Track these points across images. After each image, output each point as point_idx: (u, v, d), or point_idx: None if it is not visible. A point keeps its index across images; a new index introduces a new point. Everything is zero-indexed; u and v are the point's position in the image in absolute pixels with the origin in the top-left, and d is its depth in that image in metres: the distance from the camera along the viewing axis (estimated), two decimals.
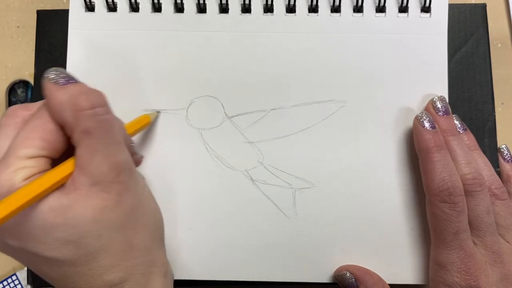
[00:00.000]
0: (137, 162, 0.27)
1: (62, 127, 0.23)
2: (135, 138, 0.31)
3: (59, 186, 0.22)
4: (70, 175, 0.22)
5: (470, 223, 0.28)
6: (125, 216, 0.23)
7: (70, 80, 0.23)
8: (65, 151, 0.24)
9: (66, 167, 0.22)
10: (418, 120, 0.30)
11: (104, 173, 0.22)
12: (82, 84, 0.23)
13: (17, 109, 0.24)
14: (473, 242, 0.28)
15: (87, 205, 0.22)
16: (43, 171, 0.22)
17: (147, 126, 0.31)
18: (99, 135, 0.22)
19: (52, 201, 0.22)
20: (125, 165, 0.23)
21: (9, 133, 0.23)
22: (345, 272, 0.30)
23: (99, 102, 0.23)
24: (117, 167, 0.23)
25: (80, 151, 0.22)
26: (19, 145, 0.22)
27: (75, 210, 0.22)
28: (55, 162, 0.23)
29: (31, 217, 0.21)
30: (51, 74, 0.23)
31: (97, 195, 0.22)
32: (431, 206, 0.28)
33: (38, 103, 0.25)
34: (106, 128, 0.23)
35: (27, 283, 0.34)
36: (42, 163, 0.22)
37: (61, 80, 0.23)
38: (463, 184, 0.28)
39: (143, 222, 0.24)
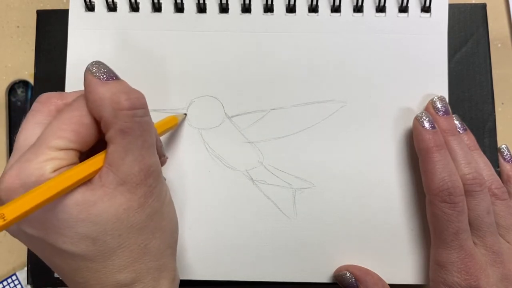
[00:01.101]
0: (162, 163, 0.27)
1: (97, 122, 0.23)
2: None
3: (86, 181, 0.22)
4: (98, 170, 0.22)
5: (470, 223, 0.28)
6: (146, 219, 0.23)
7: (112, 76, 0.23)
8: (94, 145, 0.24)
9: (95, 162, 0.22)
10: (418, 120, 0.29)
11: (133, 174, 0.22)
12: (124, 82, 0.23)
13: (52, 97, 0.24)
14: (474, 242, 0.28)
15: (111, 204, 0.22)
16: (71, 164, 0.22)
17: (174, 127, 0.31)
18: (135, 136, 0.22)
19: (78, 196, 0.21)
20: (154, 168, 0.23)
21: (41, 120, 0.23)
22: (345, 272, 0.30)
23: (139, 103, 0.23)
24: (147, 170, 0.23)
25: (112, 148, 0.22)
26: (51, 135, 0.22)
27: (99, 208, 0.22)
28: (82, 155, 0.23)
29: (55, 210, 0.21)
30: (93, 67, 0.23)
31: (122, 195, 0.22)
32: (431, 206, 0.28)
33: (74, 94, 0.25)
34: (142, 130, 0.23)
35: (27, 283, 0.34)
36: (71, 155, 0.22)
37: (103, 76, 0.23)
38: (463, 184, 0.28)
39: (161, 226, 0.24)
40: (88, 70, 0.23)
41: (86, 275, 0.23)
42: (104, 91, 0.22)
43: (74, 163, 0.22)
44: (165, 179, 0.27)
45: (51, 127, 0.22)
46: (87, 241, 0.22)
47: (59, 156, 0.21)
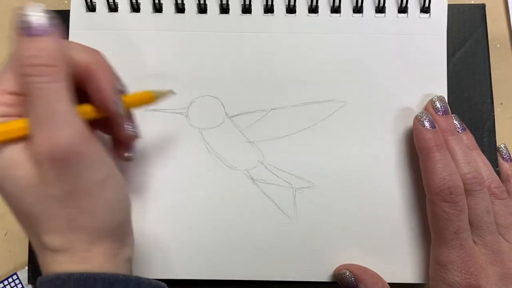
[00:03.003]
0: (128, 137, 0.27)
1: None
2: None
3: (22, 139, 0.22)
4: (26, 129, 0.22)
5: (470, 222, 0.28)
6: (67, 194, 0.23)
7: (28, 32, 0.22)
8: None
9: (19, 123, 0.22)
10: (418, 119, 0.30)
11: (37, 143, 0.22)
12: (31, 44, 0.22)
13: None
14: (473, 241, 0.28)
15: (32, 170, 0.22)
16: (17, 107, 0.22)
17: (150, 101, 0.28)
18: (31, 101, 0.22)
19: (7, 154, 0.22)
20: (60, 140, 0.22)
21: None
22: (344, 271, 0.30)
23: (37, 70, 0.21)
24: (49, 140, 0.22)
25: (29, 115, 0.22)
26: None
27: (22, 172, 0.22)
28: None
29: None
30: (22, 11, 0.22)
31: (41, 165, 0.22)
32: (432, 205, 0.29)
33: None
34: (38, 94, 0.22)
35: (28, 282, 0.34)
36: (15, 100, 0.22)
37: (23, 29, 0.22)
38: (463, 184, 0.28)
39: (90, 205, 0.23)
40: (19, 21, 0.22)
41: (26, 230, 0.24)
42: (15, 48, 0.22)
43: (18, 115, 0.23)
44: (131, 159, 0.27)
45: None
46: (13, 200, 0.23)
47: (4, 100, 0.22)
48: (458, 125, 0.31)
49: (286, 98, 0.32)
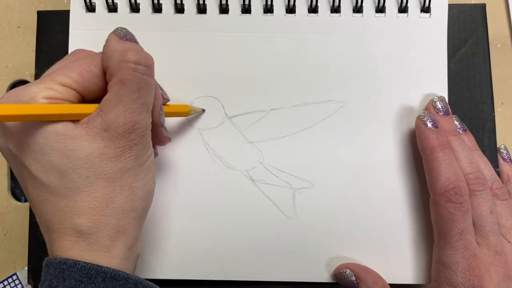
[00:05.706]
0: (163, 140, 0.28)
1: (104, 74, 0.25)
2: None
3: (74, 120, 0.24)
4: (85, 115, 0.24)
5: (473, 223, 0.28)
6: (118, 172, 0.24)
7: (131, 39, 0.25)
8: (97, 99, 0.25)
9: (85, 107, 0.24)
10: (420, 119, 0.30)
11: (118, 123, 0.23)
12: (139, 45, 0.25)
13: (84, 50, 0.27)
14: (477, 241, 0.28)
15: (89, 145, 0.23)
16: (66, 100, 0.24)
17: (184, 115, 0.31)
18: (131, 89, 0.24)
19: (60, 126, 0.23)
20: (140, 125, 0.24)
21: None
22: (345, 270, 0.30)
23: (144, 62, 0.24)
24: (132, 124, 0.24)
25: (108, 96, 0.24)
26: (60, 71, 0.24)
27: (76, 144, 0.23)
28: (84, 102, 0.25)
29: (36, 133, 0.23)
30: (118, 30, 0.25)
31: (102, 141, 0.23)
32: (436, 206, 0.28)
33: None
34: (140, 86, 0.24)
35: (27, 283, 0.34)
36: (70, 94, 0.24)
37: (123, 37, 0.25)
38: (466, 184, 0.28)
39: (131, 186, 0.25)
40: (112, 31, 0.25)
41: (50, 211, 0.24)
42: (117, 45, 0.24)
43: (69, 101, 0.24)
44: (157, 155, 0.29)
45: (63, 65, 0.25)
46: (55, 173, 0.23)
47: (58, 89, 0.23)
48: (459, 126, 0.31)
49: (285, 98, 0.32)
